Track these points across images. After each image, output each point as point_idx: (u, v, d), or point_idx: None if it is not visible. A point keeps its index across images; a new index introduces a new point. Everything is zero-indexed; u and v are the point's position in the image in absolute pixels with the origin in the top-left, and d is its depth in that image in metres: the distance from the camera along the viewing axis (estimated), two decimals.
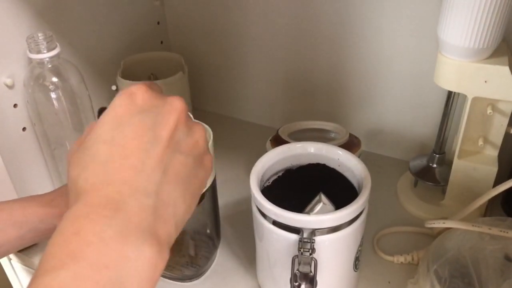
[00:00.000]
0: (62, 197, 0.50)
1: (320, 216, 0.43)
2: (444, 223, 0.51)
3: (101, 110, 0.37)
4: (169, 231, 0.30)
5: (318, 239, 0.43)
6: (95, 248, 0.26)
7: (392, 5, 0.63)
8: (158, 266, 0.28)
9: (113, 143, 0.30)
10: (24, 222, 0.49)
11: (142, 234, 0.28)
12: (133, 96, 0.32)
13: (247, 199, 0.48)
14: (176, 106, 0.32)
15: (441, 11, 0.50)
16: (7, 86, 0.56)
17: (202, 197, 0.50)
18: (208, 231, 0.57)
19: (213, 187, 0.52)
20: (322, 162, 0.52)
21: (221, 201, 0.57)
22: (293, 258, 0.45)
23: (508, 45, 0.53)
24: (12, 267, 0.64)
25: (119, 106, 0.31)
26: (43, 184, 0.64)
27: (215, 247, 0.58)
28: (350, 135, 0.65)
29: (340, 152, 0.51)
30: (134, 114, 0.31)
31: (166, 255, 0.29)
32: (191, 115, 0.36)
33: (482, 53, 0.50)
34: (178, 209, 0.31)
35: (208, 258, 0.57)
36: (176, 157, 0.31)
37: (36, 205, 0.50)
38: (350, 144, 0.63)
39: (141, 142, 0.30)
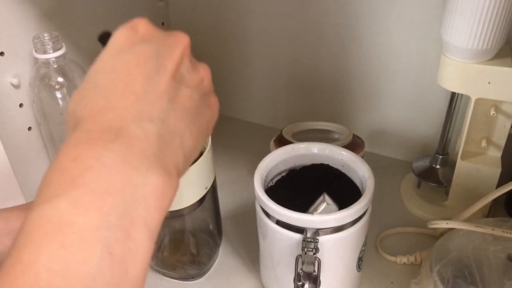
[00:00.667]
0: None
1: (323, 216, 0.44)
2: (447, 223, 0.51)
3: (103, 35, 0.34)
4: (177, 160, 0.28)
5: (322, 239, 0.43)
6: (96, 173, 0.23)
7: (395, 6, 0.63)
8: (166, 194, 0.26)
9: (114, 70, 0.28)
10: None
11: (146, 160, 0.25)
12: (135, 27, 0.30)
13: (250, 200, 0.48)
14: (181, 38, 0.31)
15: (445, 12, 0.50)
16: (13, 85, 0.56)
17: (203, 198, 0.50)
18: (209, 229, 0.57)
19: (213, 186, 0.52)
20: (325, 162, 0.53)
21: (224, 201, 0.57)
22: (296, 257, 0.45)
23: (511, 46, 0.53)
24: None
25: (120, 37, 0.30)
26: None
27: (217, 245, 0.58)
28: (354, 135, 0.65)
29: (344, 153, 0.51)
30: (136, 44, 0.29)
31: (175, 184, 0.27)
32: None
33: (485, 54, 0.50)
34: (185, 140, 0.29)
35: (210, 256, 0.57)
36: (182, 90, 0.29)
37: None
38: (354, 145, 0.64)
39: (144, 69, 0.28)
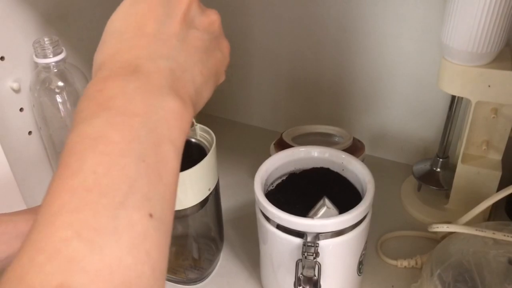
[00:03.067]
0: None
1: (324, 220, 0.44)
2: (447, 227, 0.51)
3: None
4: (190, 92, 0.31)
5: (322, 243, 0.43)
6: (121, 99, 0.27)
7: (396, 10, 0.63)
8: (184, 117, 0.29)
9: (128, 17, 0.31)
10: None
11: (163, 88, 0.28)
12: None
13: (251, 203, 0.48)
14: None
15: (445, 16, 0.50)
16: (14, 90, 0.57)
17: (206, 200, 0.50)
18: (211, 234, 0.57)
19: (216, 189, 0.52)
20: (325, 166, 0.52)
21: (225, 204, 0.57)
22: (297, 262, 0.45)
23: (511, 49, 0.53)
24: None
25: None
26: None
27: (218, 250, 0.58)
28: (354, 139, 0.65)
29: (344, 156, 0.51)
30: None
31: (190, 110, 0.30)
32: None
33: (485, 57, 0.50)
34: (196, 77, 0.32)
35: (211, 261, 0.57)
36: (191, 31, 0.32)
37: None
38: (354, 148, 0.64)
39: (156, 15, 0.31)
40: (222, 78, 0.36)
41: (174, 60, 0.30)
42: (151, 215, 0.24)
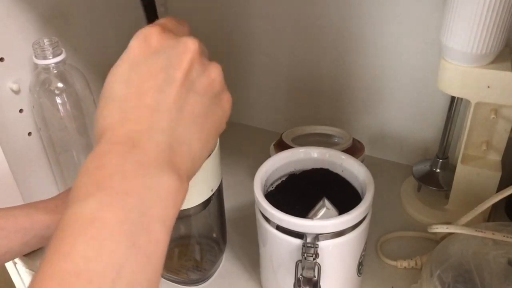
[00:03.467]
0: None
1: (323, 221, 0.44)
2: (447, 228, 0.51)
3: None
4: (186, 166, 0.32)
5: (322, 244, 0.43)
6: (117, 179, 0.28)
7: (396, 10, 0.63)
8: (179, 194, 0.30)
9: (128, 83, 0.31)
10: (29, 229, 0.49)
11: (160, 166, 0.29)
12: (148, 38, 0.33)
13: (252, 204, 0.48)
14: (189, 46, 0.33)
15: (444, 16, 0.50)
16: (13, 91, 0.57)
17: (209, 200, 0.50)
18: (214, 235, 0.57)
19: (219, 190, 0.52)
20: (325, 167, 0.52)
21: (226, 205, 0.57)
22: (296, 263, 0.45)
23: (511, 50, 0.53)
24: (17, 271, 0.64)
25: (134, 48, 0.33)
26: (48, 188, 0.65)
27: (221, 251, 0.58)
28: (354, 140, 0.65)
29: (344, 157, 0.51)
30: (148, 56, 0.32)
31: (185, 186, 0.31)
32: (207, 51, 0.36)
33: (485, 58, 0.50)
34: (193, 147, 0.32)
35: (213, 262, 0.57)
36: (191, 97, 0.32)
37: (41, 212, 0.50)
38: (354, 149, 0.64)
39: (156, 82, 0.31)
40: (222, 130, 0.36)
41: (173, 133, 0.31)
42: None
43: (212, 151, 0.34)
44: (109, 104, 0.31)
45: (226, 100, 0.36)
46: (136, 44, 0.33)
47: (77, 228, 0.26)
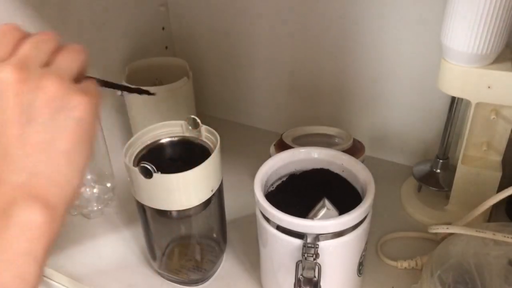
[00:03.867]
0: None
1: (324, 221, 0.44)
2: (447, 228, 0.51)
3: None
4: (53, 193, 0.32)
5: (322, 244, 0.43)
6: None
7: (396, 11, 0.63)
8: (47, 225, 0.31)
9: None
10: None
11: (20, 202, 0.30)
12: None
13: (252, 204, 0.48)
14: (4, 80, 0.31)
15: (444, 17, 0.50)
16: None
17: (209, 201, 0.50)
18: (214, 235, 0.57)
19: (219, 190, 0.52)
20: (325, 167, 0.52)
21: (226, 205, 0.57)
22: (297, 263, 0.45)
23: (511, 50, 0.53)
24: None
25: None
26: None
27: (221, 251, 0.58)
28: (354, 140, 0.65)
29: (344, 157, 0.51)
30: None
31: (57, 213, 0.32)
32: (38, 55, 0.33)
33: (485, 58, 0.50)
34: (53, 174, 0.32)
35: (214, 263, 0.57)
36: (32, 127, 0.31)
37: None
38: (354, 149, 0.64)
39: None
40: (92, 133, 0.34)
41: (24, 169, 0.31)
42: None
43: (89, 159, 0.34)
44: None
45: (78, 103, 0.33)
46: None
47: None
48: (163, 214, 0.50)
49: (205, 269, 0.56)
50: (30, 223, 0.30)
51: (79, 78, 0.35)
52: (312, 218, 0.45)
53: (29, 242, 0.30)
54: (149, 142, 0.52)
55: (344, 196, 0.49)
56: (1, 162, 0.31)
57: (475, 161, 0.58)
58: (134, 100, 0.68)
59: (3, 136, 0.31)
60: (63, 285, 0.59)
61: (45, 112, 0.31)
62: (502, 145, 0.56)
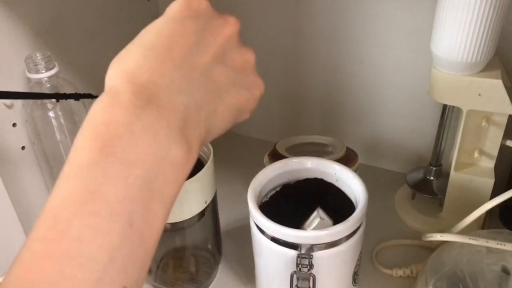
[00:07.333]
0: None
1: (317, 231, 0.44)
2: (441, 236, 0.51)
3: None
4: (199, 133, 0.30)
5: (316, 254, 0.43)
6: (124, 143, 0.26)
7: (387, 19, 0.63)
8: (183, 167, 0.28)
9: (159, 34, 0.30)
10: None
11: (171, 133, 0.27)
12: (190, 1, 0.31)
13: (246, 214, 0.48)
14: (231, 22, 0.32)
15: (434, 25, 0.51)
16: (6, 106, 0.56)
17: (203, 212, 0.50)
18: (209, 247, 0.57)
19: (213, 201, 0.52)
20: (319, 177, 0.53)
21: (221, 216, 0.57)
22: (291, 274, 0.45)
23: (500, 58, 0.53)
24: None
25: (174, 7, 0.31)
26: (43, 202, 0.64)
27: (216, 263, 0.58)
28: (347, 149, 0.65)
29: (337, 167, 0.51)
30: (186, 17, 0.31)
31: (193, 158, 0.29)
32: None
33: (475, 66, 0.50)
34: (211, 115, 0.31)
35: (209, 274, 0.57)
36: (219, 67, 0.31)
37: None
38: (347, 158, 0.64)
39: (187, 41, 0.30)
40: (245, 117, 0.35)
41: (192, 95, 0.29)
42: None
43: (224, 131, 0.33)
44: (133, 50, 0.29)
45: (256, 85, 0.35)
46: (177, 4, 0.31)
47: (76, 203, 0.24)
48: None
49: (200, 281, 0.56)
50: (173, 161, 0.27)
51: None
52: (306, 228, 0.45)
53: (165, 183, 0.27)
54: None
55: (338, 205, 0.49)
56: (173, 69, 0.29)
57: (467, 168, 0.58)
58: None
59: (191, 52, 0.30)
60: None
61: (235, 66, 0.33)
62: (494, 151, 0.57)
